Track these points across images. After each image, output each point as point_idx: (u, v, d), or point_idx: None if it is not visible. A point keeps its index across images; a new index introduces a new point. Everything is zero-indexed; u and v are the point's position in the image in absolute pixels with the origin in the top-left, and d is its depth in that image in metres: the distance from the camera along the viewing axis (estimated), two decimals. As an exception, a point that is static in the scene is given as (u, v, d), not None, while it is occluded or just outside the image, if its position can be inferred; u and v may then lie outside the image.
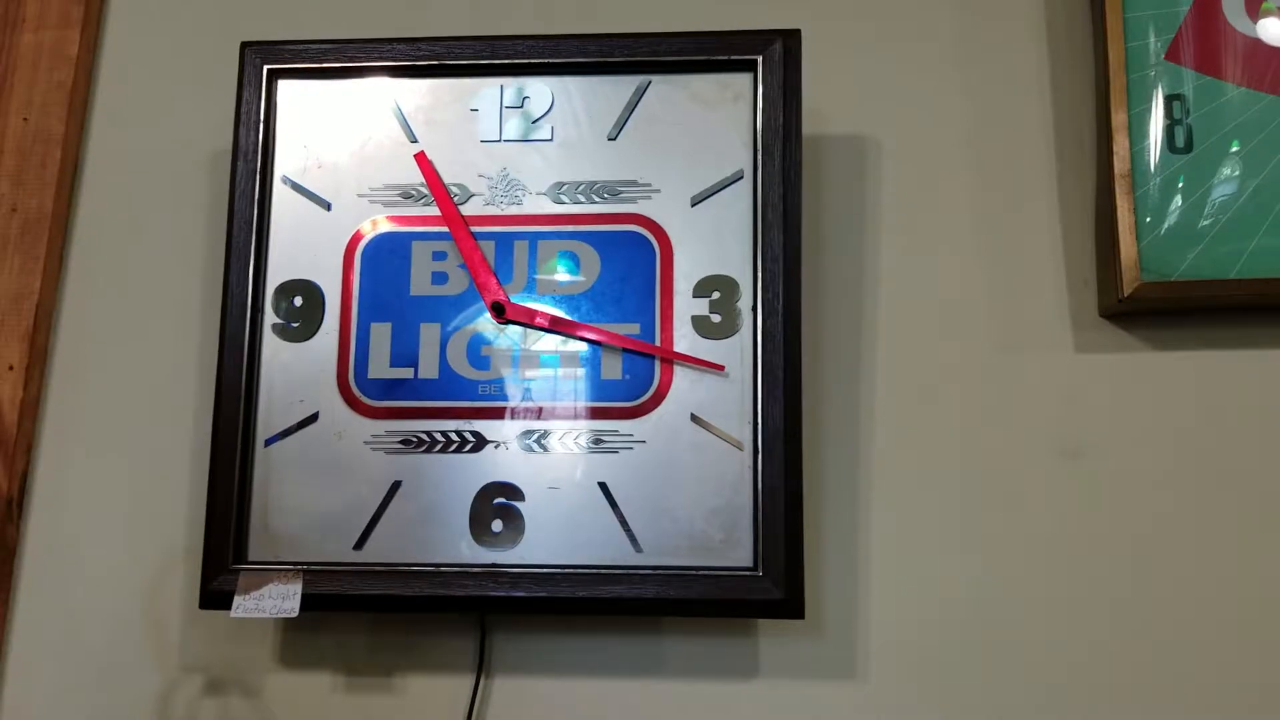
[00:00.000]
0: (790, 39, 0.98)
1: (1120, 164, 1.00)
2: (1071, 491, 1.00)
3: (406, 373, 0.96)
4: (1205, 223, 0.98)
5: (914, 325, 1.04)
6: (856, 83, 1.10)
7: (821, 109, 1.09)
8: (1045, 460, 1.01)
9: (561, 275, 0.97)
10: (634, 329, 0.95)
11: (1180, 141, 1.00)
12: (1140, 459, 1.00)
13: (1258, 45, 1.00)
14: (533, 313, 0.96)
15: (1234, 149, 0.99)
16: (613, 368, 0.95)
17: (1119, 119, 1.00)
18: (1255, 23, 1.01)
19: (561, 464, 0.94)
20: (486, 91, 1.01)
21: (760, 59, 0.97)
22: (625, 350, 0.95)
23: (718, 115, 0.98)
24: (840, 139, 1.09)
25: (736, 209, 0.96)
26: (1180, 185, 0.99)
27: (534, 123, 1.00)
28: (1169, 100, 1.00)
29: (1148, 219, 0.98)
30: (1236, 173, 0.98)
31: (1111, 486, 1.00)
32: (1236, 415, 1.00)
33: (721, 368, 0.93)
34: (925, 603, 0.99)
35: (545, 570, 0.91)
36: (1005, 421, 1.01)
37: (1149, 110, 1.00)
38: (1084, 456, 1.00)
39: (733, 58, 0.98)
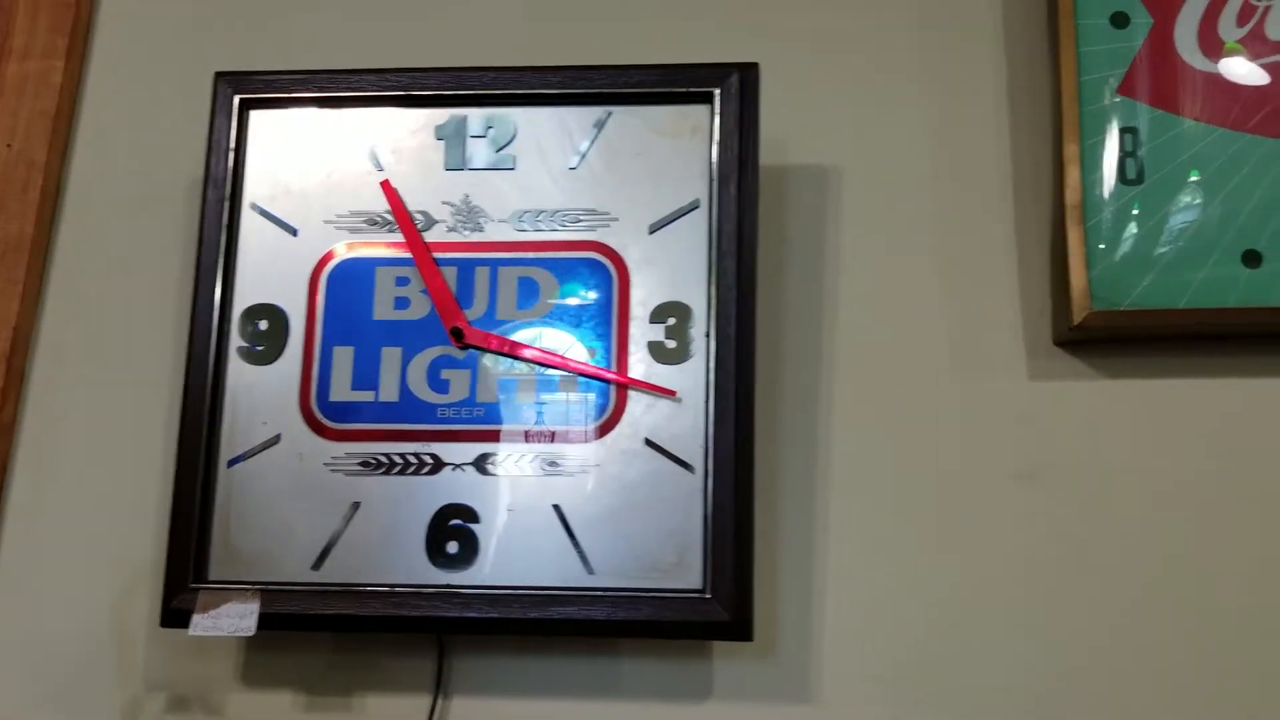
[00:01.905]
0: (748, 72, 1.00)
1: (1071, 195, 1.02)
2: (1025, 516, 1.01)
3: (367, 396, 0.98)
4: (1155, 253, 0.99)
5: (871, 351, 1.06)
6: (818, 114, 1.12)
7: (784, 139, 1.11)
8: (999, 485, 1.02)
9: (521, 301, 0.99)
10: (590, 354, 0.97)
11: (1132, 173, 1.01)
12: (1092, 484, 1.01)
13: (1213, 80, 1.02)
14: (491, 338, 0.98)
15: (1185, 182, 1.00)
16: (569, 392, 0.97)
17: (1071, 151, 1.02)
18: (1214, 60, 1.02)
19: (517, 487, 0.95)
20: (452, 122, 1.03)
21: (717, 91, 0.99)
22: (581, 375, 0.96)
23: (676, 146, 1.00)
24: (802, 169, 1.11)
25: (693, 237, 0.98)
26: (1131, 217, 1.00)
27: (497, 152, 1.02)
28: (1122, 133, 1.02)
29: (1098, 249, 1.00)
30: (1186, 206, 1.00)
31: (1064, 511, 1.01)
32: (1184, 442, 1.01)
33: (673, 393, 0.95)
34: (879, 625, 1.00)
35: (498, 592, 0.93)
36: (960, 446, 1.03)
37: (1101, 143, 1.02)
38: (1037, 481, 1.01)
39: (691, 90, 1.00)
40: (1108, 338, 1.02)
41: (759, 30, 1.14)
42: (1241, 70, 1.03)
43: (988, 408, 1.04)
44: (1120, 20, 1.05)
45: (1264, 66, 1.03)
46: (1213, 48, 1.04)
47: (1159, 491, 1.01)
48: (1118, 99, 1.03)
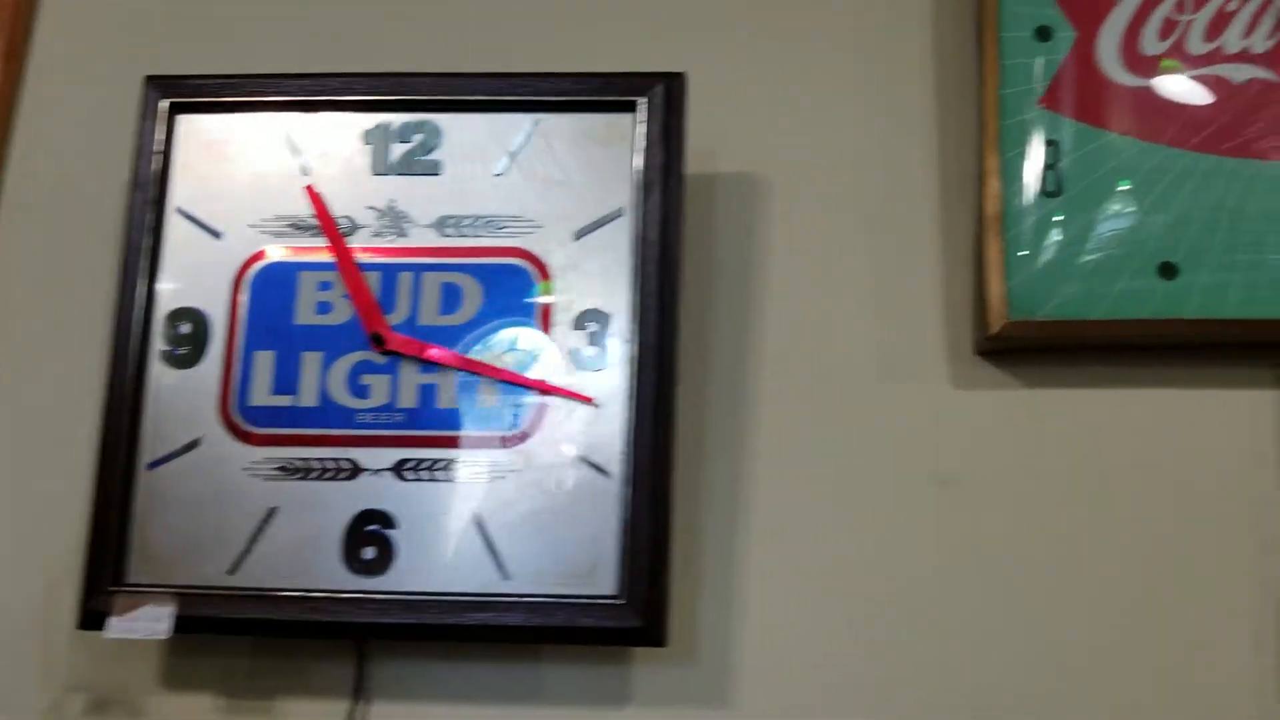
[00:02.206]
0: (674, 82, 1.01)
1: (991, 206, 1.03)
2: (945, 522, 1.02)
3: (287, 400, 0.98)
4: (1072, 265, 1.00)
5: (797, 359, 1.07)
6: (748, 122, 1.12)
7: (714, 148, 1.12)
8: (920, 491, 1.03)
9: (444, 307, 0.99)
10: (512, 360, 0.97)
11: (1052, 185, 1.03)
12: (1010, 491, 1.02)
13: (1134, 94, 1.03)
14: (413, 343, 0.98)
15: (1104, 195, 1.01)
16: (489, 398, 0.97)
17: (991, 163, 1.03)
18: (1136, 74, 1.04)
19: (435, 492, 0.96)
20: (379, 126, 1.03)
21: (643, 100, 1.00)
22: (502, 381, 0.97)
23: (602, 154, 1.01)
24: (731, 177, 1.12)
25: (617, 245, 0.98)
26: (1050, 228, 1.01)
27: (423, 158, 1.02)
28: (1041, 145, 1.03)
29: (1016, 260, 1.01)
30: (1104, 218, 1.01)
31: (982, 517, 1.02)
32: (1100, 451, 1.02)
33: (591, 400, 0.95)
34: (800, 631, 1.00)
35: (413, 597, 0.93)
36: (882, 453, 1.04)
37: (1023, 155, 1.03)
38: (957, 488, 1.02)
39: (616, 99, 1.00)
40: (1026, 347, 1.03)
41: (691, 40, 1.15)
42: (1164, 85, 1.04)
43: (910, 415, 1.05)
44: (1044, 34, 1.06)
45: (1184, 81, 1.04)
46: (1135, 62, 1.05)
47: (1075, 499, 1.02)
48: (1039, 112, 1.04)
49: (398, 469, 0.97)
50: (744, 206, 1.12)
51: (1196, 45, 1.05)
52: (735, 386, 1.07)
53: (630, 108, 1.00)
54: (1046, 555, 1.02)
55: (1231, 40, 1.05)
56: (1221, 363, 1.03)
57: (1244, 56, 1.04)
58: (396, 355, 0.98)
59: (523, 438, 0.97)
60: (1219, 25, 1.05)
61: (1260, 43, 1.04)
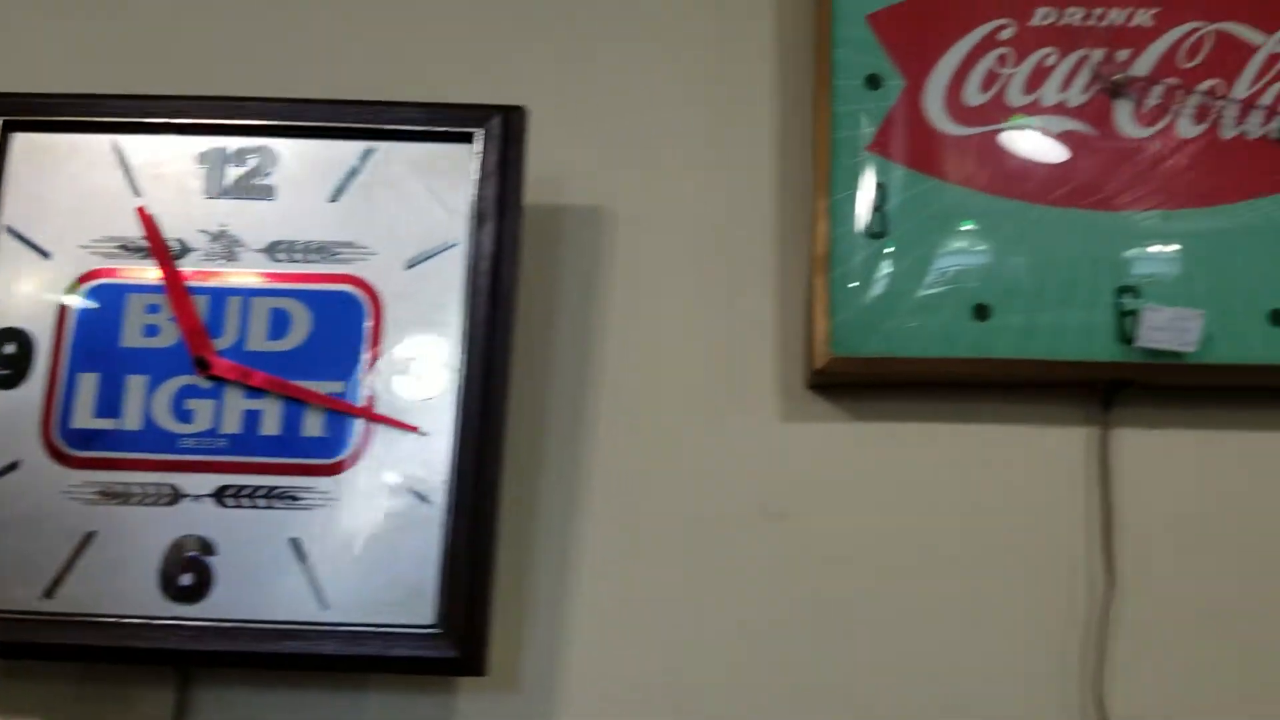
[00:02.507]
0: (513, 114, 1.02)
1: (819, 246, 1.06)
2: (772, 554, 1.05)
3: (110, 423, 0.97)
4: (894, 304, 1.04)
5: (634, 391, 1.09)
6: (594, 155, 1.15)
7: (559, 178, 1.14)
8: (748, 523, 1.05)
9: (272, 332, 0.99)
10: (338, 387, 0.98)
11: (878, 227, 1.06)
12: (836, 523, 1.05)
13: (958, 142, 1.08)
14: (238, 369, 0.98)
15: (925, 238, 1.05)
16: (314, 425, 0.97)
17: (821, 204, 1.07)
18: (958, 123, 1.08)
19: (255, 519, 0.96)
20: (214, 149, 1.03)
21: (480, 132, 1.01)
22: (326, 408, 0.97)
23: (437, 184, 1.02)
24: (575, 209, 1.14)
25: (448, 275, 0.99)
26: (874, 268, 1.05)
27: (258, 182, 1.03)
28: (868, 189, 1.07)
29: (841, 298, 1.05)
30: (925, 260, 1.05)
31: (809, 549, 1.05)
32: (919, 482, 1.06)
33: (415, 428, 0.96)
34: (628, 662, 1.02)
35: (229, 625, 0.93)
36: (712, 485, 1.06)
37: (851, 197, 1.07)
38: (785, 520, 1.05)
39: (453, 129, 1.01)
40: (850, 382, 1.07)
41: (542, 73, 1.17)
42: (985, 134, 1.08)
43: (741, 448, 1.08)
44: (874, 82, 1.10)
45: (1003, 131, 1.08)
46: (959, 112, 1.09)
47: (897, 531, 1.06)
48: (868, 156, 1.08)
49: (219, 495, 0.96)
50: (587, 238, 1.14)
51: (1016, 98, 1.10)
52: (571, 416, 1.09)
53: (468, 139, 1.01)
54: (871, 584, 1.05)
55: (1049, 94, 1.10)
56: (1033, 400, 1.08)
57: (1060, 109, 1.09)
58: (221, 380, 0.98)
59: (346, 465, 0.97)
60: (1037, 79, 1.10)
61: (1075, 97, 1.10)
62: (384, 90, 1.10)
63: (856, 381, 1.07)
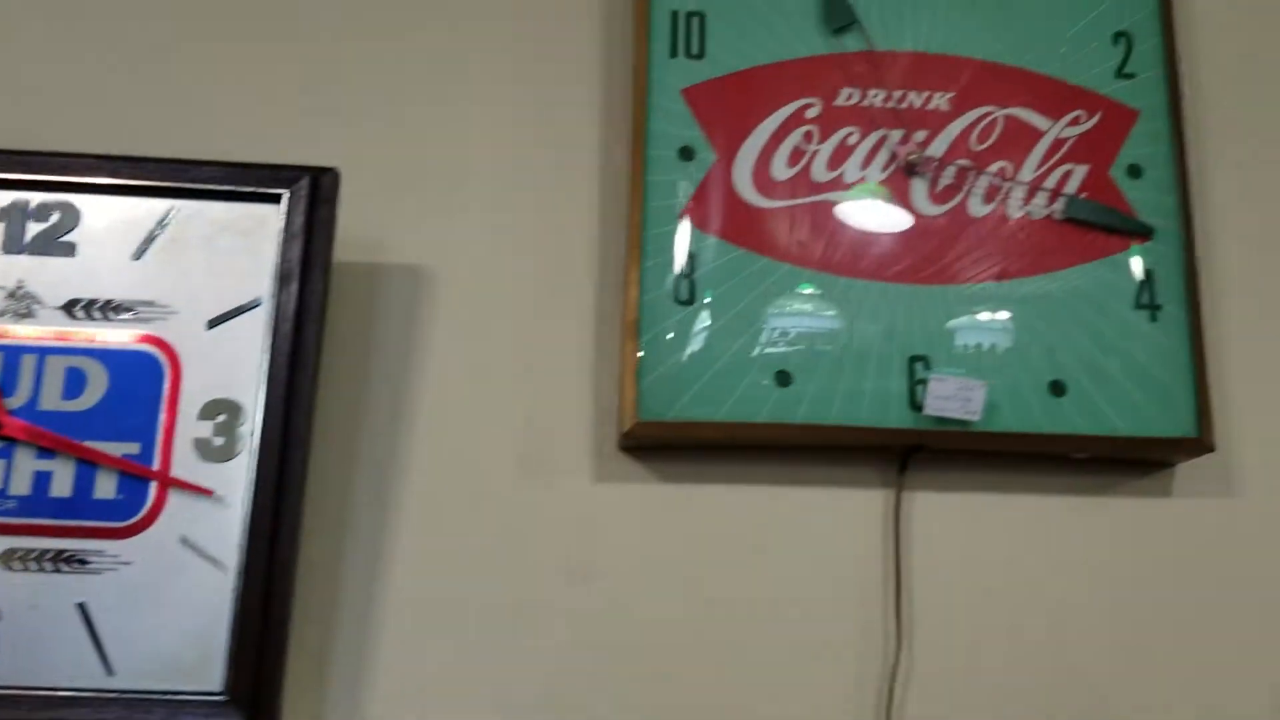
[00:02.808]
0: (322, 176, 1.03)
1: (630, 311, 1.09)
2: (581, 614, 1.06)
3: (-110, 484, 0.94)
4: (699, 370, 1.07)
5: (448, 452, 1.09)
6: (416, 215, 1.16)
7: (380, 238, 1.14)
8: (559, 583, 1.06)
9: (67, 392, 0.97)
10: (134, 449, 0.97)
11: (685, 295, 1.09)
12: (640, 583, 1.07)
13: (765, 214, 1.12)
14: (30, 429, 0.96)
15: (730, 306, 1.09)
16: (107, 487, 0.96)
17: (633, 271, 1.10)
18: (766, 196, 1.12)
19: (42, 584, 0.94)
20: (14, 204, 1.01)
21: (286, 193, 1.01)
22: (119, 470, 0.95)
23: (244, 244, 1.02)
24: (395, 268, 1.14)
25: (250, 336, 0.99)
26: (681, 335, 1.08)
27: (58, 239, 1.01)
28: (680, 257, 1.10)
29: (649, 363, 1.07)
30: (729, 328, 1.09)
31: (613, 610, 1.06)
32: (724, 543, 1.09)
33: (210, 492, 0.95)
34: (428, 721, 1.02)
35: (10, 692, 0.90)
36: (521, 547, 1.07)
37: (662, 264, 1.10)
38: (594, 580, 1.06)
39: (259, 190, 1.01)
40: (656, 445, 1.09)
41: (366, 132, 1.18)
42: (792, 208, 1.13)
43: (552, 509, 1.09)
44: (687, 154, 1.14)
45: (808, 206, 1.13)
46: (766, 185, 1.13)
47: (701, 590, 1.08)
48: (679, 225, 1.11)
49: (4, 559, 0.94)
50: (405, 298, 1.15)
51: (820, 174, 1.15)
52: (383, 477, 1.09)
53: (273, 199, 1.02)
54: (675, 642, 1.07)
55: (851, 171, 1.15)
56: (832, 463, 1.12)
57: (860, 184, 1.14)
58: (11, 440, 0.96)
59: (139, 529, 0.96)
60: (841, 156, 1.15)
61: (875, 174, 1.15)
62: (201, 149, 1.09)
63: (665, 444, 1.10)
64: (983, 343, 1.10)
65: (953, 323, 1.11)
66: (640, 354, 1.08)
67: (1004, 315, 1.11)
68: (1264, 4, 1.31)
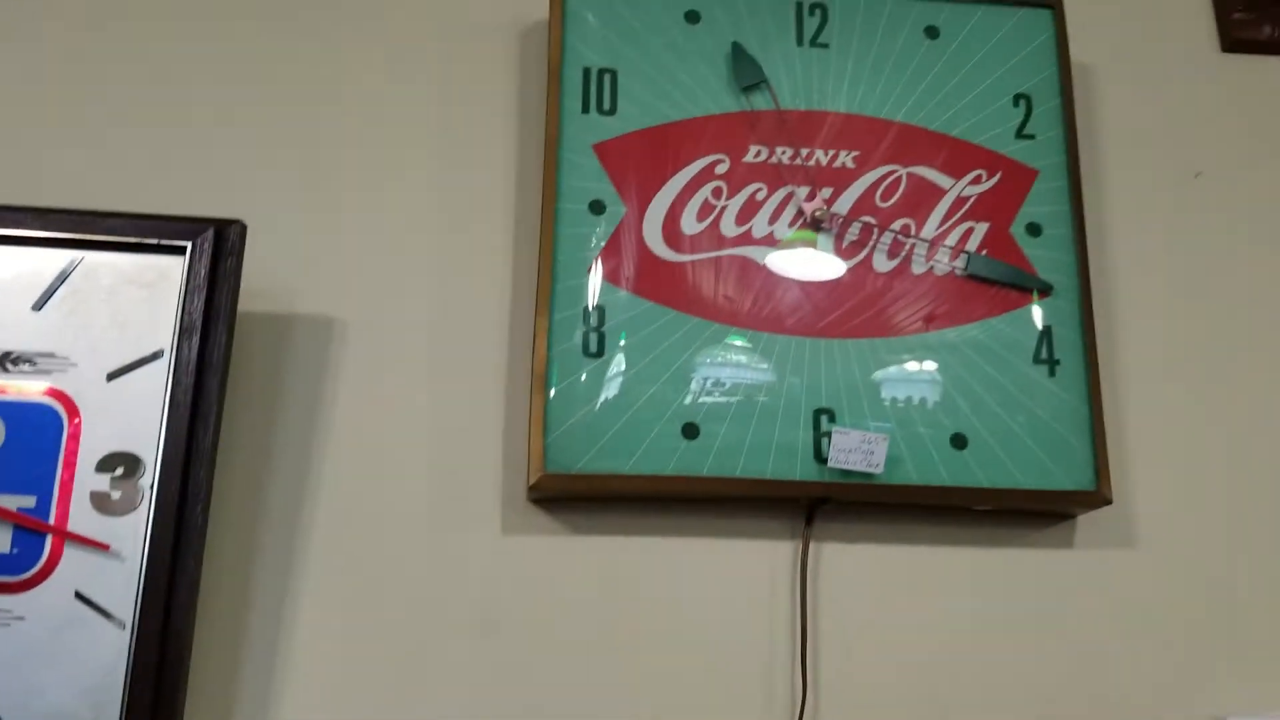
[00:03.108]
0: (227, 228, 1.03)
1: (538, 364, 1.09)
2: (489, 665, 1.05)
3: None
4: (606, 422, 1.08)
5: (356, 505, 1.09)
6: (329, 266, 1.16)
7: (294, 289, 1.15)
8: (467, 634, 1.06)
9: (-40, 444, 0.96)
10: (30, 502, 0.95)
11: (594, 348, 1.10)
12: (547, 634, 1.07)
13: (674, 268, 1.13)
14: (-83, 481, 0.94)
15: (638, 359, 1.10)
16: (1, 540, 0.94)
17: (542, 323, 1.10)
18: (674, 250, 1.14)
19: (-71, 640, 0.91)
20: (-87, 254, 1.00)
21: (189, 245, 1.01)
22: (12, 523, 0.94)
23: (147, 295, 1.01)
24: (307, 318, 1.14)
25: (150, 388, 0.99)
26: (589, 388, 1.09)
27: (-43, 289, 1.00)
28: (588, 310, 1.11)
29: (556, 416, 1.08)
30: (637, 380, 1.10)
31: (519, 660, 1.06)
32: (632, 595, 1.09)
33: (106, 546, 0.94)
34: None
35: (-110, 753, 0.88)
36: (433, 598, 1.07)
37: (571, 317, 1.11)
38: (502, 631, 1.06)
39: (164, 242, 1.01)
40: (565, 497, 1.10)
41: (275, 181, 1.18)
42: (699, 262, 1.14)
43: (462, 560, 1.09)
44: (597, 208, 1.15)
45: (717, 260, 1.15)
46: (675, 239, 1.15)
47: (610, 642, 1.08)
48: (589, 278, 1.12)
49: (-107, 616, 0.92)
50: (316, 349, 1.15)
51: (730, 228, 1.17)
52: (288, 530, 1.08)
53: (177, 251, 1.01)
54: (584, 693, 1.07)
55: (760, 226, 1.17)
56: (740, 514, 1.13)
57: (768, 240, 1.16)
58: (-100, 494, 0.94)
59: (34, 583, 0.94)
60: (749, 212, 1.17)
61: (783, 229, 1.17)
62: (107, 200, 1.08)
63: (573, 496, 1.10)
64: (886, 395, 1.12)
65: (858, 375, 1.12)
66: (547, 406, 1.08)
67: (907, 368, 1.13)
68: (1157, 69, 1.36)
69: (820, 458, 1.09)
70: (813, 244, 1.16)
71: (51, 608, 0.94)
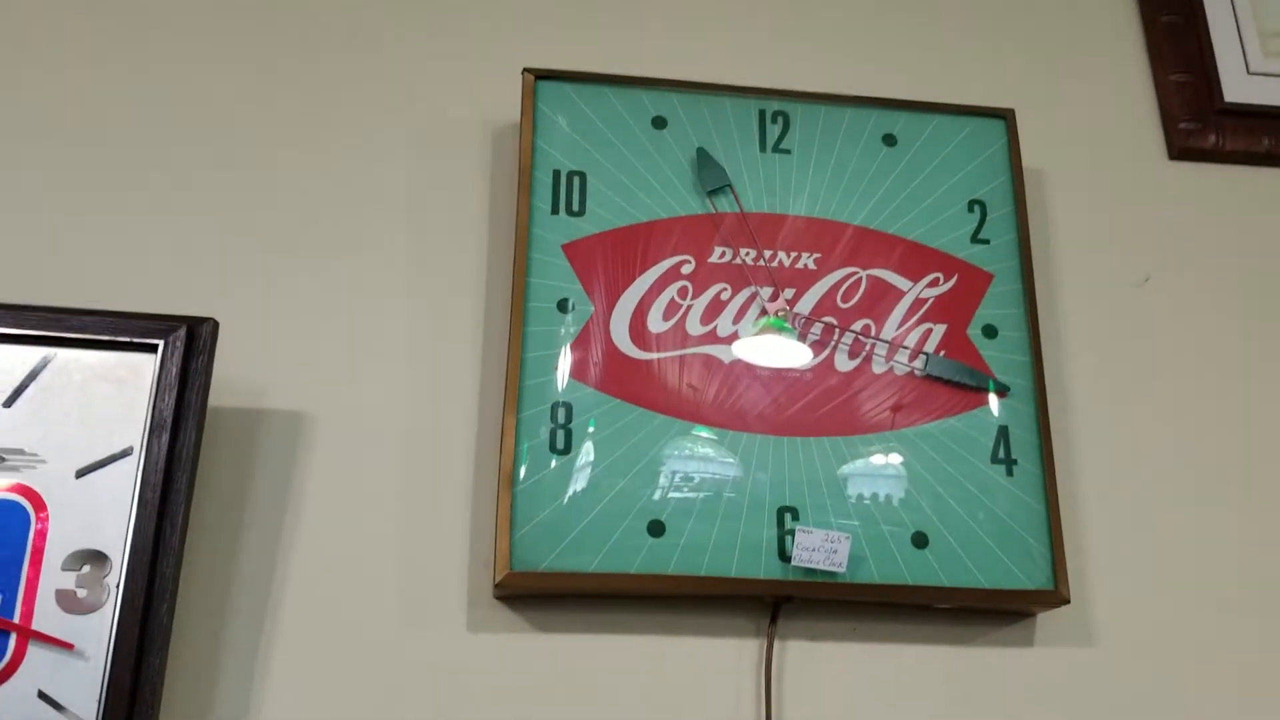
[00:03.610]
0: (200, 326, 1.04)
1: (506, 461, 1.11)
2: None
3: None
4: (572, 520, 1.09)
5: (322, 602, 1.09)
6: (303, 362, 1.17)
7: (265, 384, 1.16)
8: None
9: (-75, 542, 0.96)
10: (-6, 601, 0.95)
11: (561, 445, 1.12)
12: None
13: (641, 366, 1.15)
14: (-118, 581, 0.94)
15: (605, 457, 1.11)
16: (-38, 640, 0.94)
17: (510, 420, 1.12)
18: (641, 348, 1.16)
19: (-116, 742, 0.90)
20: (-116, 348, 1.01)
21: (161, 343, 1.02)
22: (-24, 624, 0.94)
23: (117, 392, 1.02)
24: (278, 414, 1.15)
25: (119, 485, 0.99)
26: (555, 485, 1.10)
27: (-74, 384, 1.00)
28: (555, 407, 1.13)
29: (522, 513, 1.09)
30: (604, 478, 1.11)
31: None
32: (597, 694, 1.09)
33: (70, 645, 0.94)
34: None
35: None
36: (397, 696, 1.07)
37: (539, 415, 1.13)
38: (467, 731, 1.06)
39: (136, 340, 1.02)
40: (531, 595, 1.10)
41: (247, 277, 1.20)
42: (667, 359, 1.17)
43: (427, 658, 1.09)
44: (564, 306, 1.17)
45: (682, 358, 1.17)
46: (642, 338, 1.17)
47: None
48: (556, 376, 1.14)
49: None
50: (285, 444, 1.16)
51: (694, 327, 1.19)
52: (254, 626, 1.08)
53: (153, 349, 1.03)
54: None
55: (724, 325, 1.20)
56: (705, 612, 1.14)
57: (732, 339, 1.19)
58: None
59: (-6, 683, 0.93)
60: (714, 311, 1.20)
61: (746, 329, 1.20)
62: (78, 298, 1.10)
63: (539, 594, 1.11)
64: (850, 493, 1.14)
65: (820, 472, 1.14)
66: (514, 502, 1.10)
67: (870, 467, 1.15)
68: (1107, 176, 1.41)
69: (784, 556, 1.11)
70: (779, 331, 1.18)
71: (15, 708, 0.93)
